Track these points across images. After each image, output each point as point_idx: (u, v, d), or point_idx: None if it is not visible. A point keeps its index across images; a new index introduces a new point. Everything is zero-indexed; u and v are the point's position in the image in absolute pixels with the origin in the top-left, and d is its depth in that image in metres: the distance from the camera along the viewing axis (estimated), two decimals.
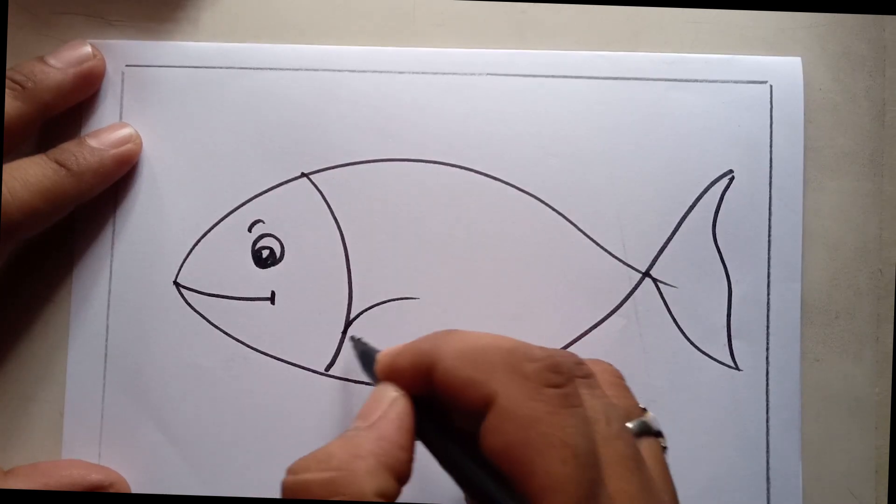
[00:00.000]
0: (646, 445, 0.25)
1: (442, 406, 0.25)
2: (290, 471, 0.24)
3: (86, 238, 0.35)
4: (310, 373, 0.35)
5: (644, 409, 0.27)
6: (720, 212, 0.35)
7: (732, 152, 0.35)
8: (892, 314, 0.35)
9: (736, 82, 0.35)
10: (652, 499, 0.23)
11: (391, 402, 0.25)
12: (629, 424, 0.25)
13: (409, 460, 0.24)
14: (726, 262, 0.35)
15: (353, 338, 0.33)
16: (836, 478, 0.34)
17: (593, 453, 0.22)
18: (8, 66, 0.33)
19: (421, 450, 0.26)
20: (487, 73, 0.35)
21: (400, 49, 0.36)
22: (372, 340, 0.33)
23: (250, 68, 0.36)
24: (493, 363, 0.24)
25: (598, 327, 0.35)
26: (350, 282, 0.35)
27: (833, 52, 0.36)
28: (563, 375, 0.23)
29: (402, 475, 0.24)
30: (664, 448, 0.26)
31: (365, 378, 0.32)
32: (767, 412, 0.34)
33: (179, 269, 0.35)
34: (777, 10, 0.36)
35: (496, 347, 0.24)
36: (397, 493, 0.24)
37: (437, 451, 0.25)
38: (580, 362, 0.25)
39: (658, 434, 0.26)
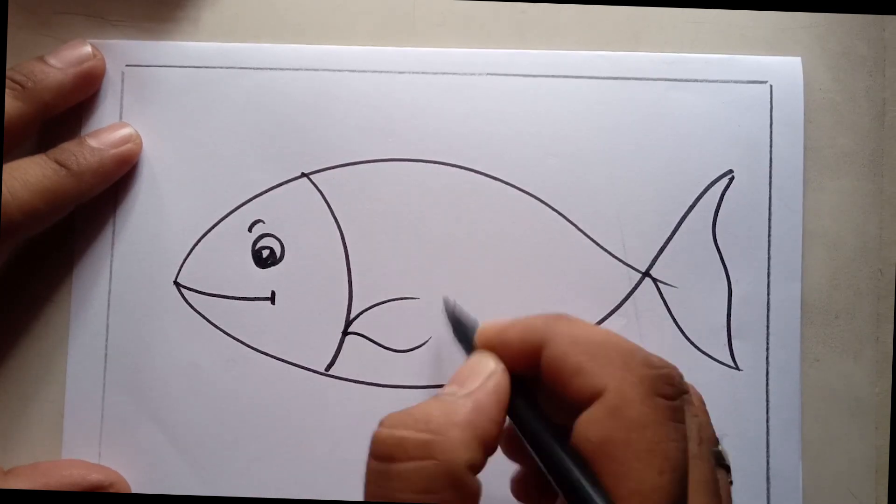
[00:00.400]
0: (719, 476, 0.25)
1: (537, 389, 0.25)
2: (385, 424, 0.23)
3: (86, 238, 0.35)
4: (310, 373, 0.35)
5: (718, 440, 0.27)
6: (720, 212, 0.35)
7: (732, 152, 0.35)
8: (892, 314, 0.35)
9: (736, 82, 0.35)
10: None
11: (490, 373, 0.25)
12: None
13: (500, 436, 0.24)
14: (726, 262, 0.35)
15: (447, 301, 0.32)
16: (836, 478, 0.34)
17: (685, 470, 0.22)
18: (8, 66, 0.33)
19: None
20: (487, 73, 0.35)
21: (400, 49, 0.36)
22: (372, 336, 0.32)
23: (250, 68, 0.36)
24: (609, 357, 0.23)
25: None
26: (350, 282, 0.35)
27: (833, 52, 0.36)
28: (675, 388, 0.23)
29: (490, 449, 0.24)
30: (731, 482, 0.26)
31: (376, 380, 0.32)
32: (767, 412, 0.34)
33: (179, 269, 0.35)
34: (777, 10, 0.36)
35: (613, 343, 0.24)
36: (482, 467, 0.23)
37: (526, 431, 0.25)
38: (682, 378, 0.25)
39: (728, 469, 0.26)
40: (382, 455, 0.23)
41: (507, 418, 0.25)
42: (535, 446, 0.24)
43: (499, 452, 0.25)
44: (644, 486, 0.21)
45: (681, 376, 0.24)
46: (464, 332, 0.29)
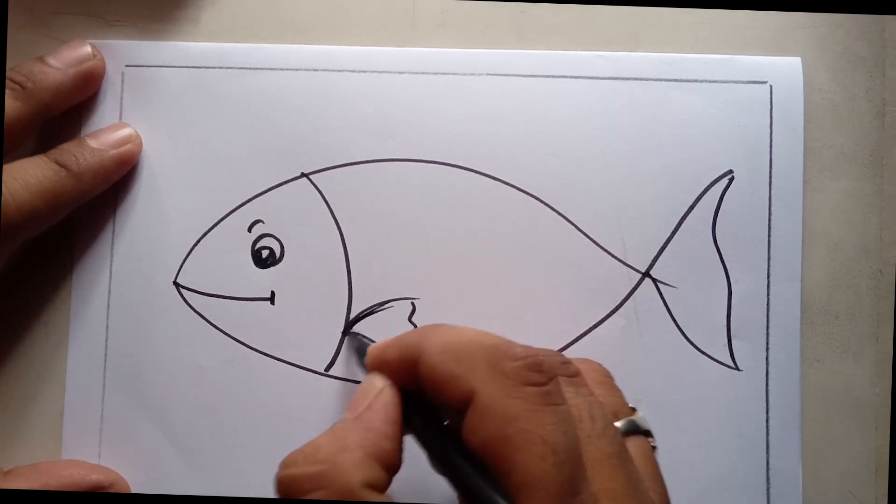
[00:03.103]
0: (634, 444, 0.25)
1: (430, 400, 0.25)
2: (281, 465, 0.24)
3: (86, 238, 0.35)
4: (310, 373, 0.35)
5: (633, 409, 0.27)
6: (720, 212, 0.35)
7: (732, 152, 0.35)
8: (892, 314, 0.35)
9: (736, 82, 0.35)
10: (638, 497, 0.23)
11: (378, 392, 0.26)
12: (617, 423, 0.25)
13: (397, 450, 0.25)
14: (726, 263, 0.35)
15: (351, 332, 0.33)
16: (836, 478, 0.34)
17: (574, 451, 0.22)
18: (8, 66, 0.33)
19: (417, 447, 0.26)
20: (487, 73, 0.35)
21: (400, 49, 0.36)
22: (371, 335, 0.33)
23: (250, 68, 0.36)
24: (474, 359, 0.24)
25: (598, 327, 0.35)
26: (350, 282, 0.35)
27: (833, 52, 0.36)
28: (543, 374, 0.24)
29: (390, 465, 0.24)
30: (654, 447, 0.26)
31: (361, 375, 0.32)
32: (767, 412, 0.34)
33: (179, 269, 0.35)
34: (777, 10, 0.36)
35: (479, 343, 0.24)
36: (387, 482, 0.24)
37: (425, 443, 0.25)
38: (565, 361, 0.25)
39: (647, 433, 0.26)
40: (283, 495, 0.24)
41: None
42: (433, 458, 0.25)
43: None
44: (531, 476, 0.21)
45: (559, 360, 0.24)
46: (361, 355, 0.30)
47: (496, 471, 0.22)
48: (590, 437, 0.23)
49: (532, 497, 0.21)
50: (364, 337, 0.33)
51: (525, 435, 0.22)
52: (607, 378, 0.28)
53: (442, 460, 0.24)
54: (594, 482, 0.22)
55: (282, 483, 0.24)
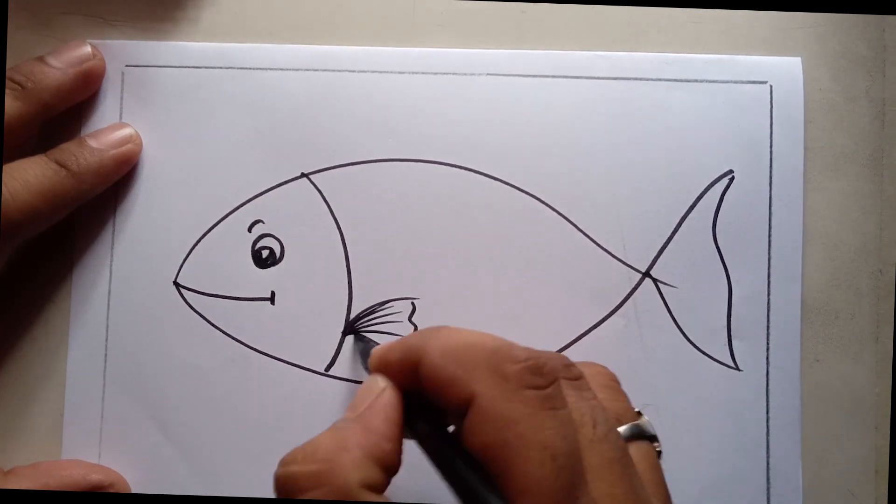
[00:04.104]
0: (638, 449, 0.25)
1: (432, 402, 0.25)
2: (280, 463, 0.24)
3: (86, 238, 0.35)
4: (310, 373, 0.35)
5: (639, 413, 0.27)
6: (720, 212, 0.35)
7: (732, 152, 0.35)
8: (892, 314, 0.35)
9: (736, 82, 0.35)
10: (639, 501, 0.23)
11: (378, 392, 0.25)
12: (620, 428, 0.25)
13: (396, 451, 0.24)
14: (726, 263, 0.35)
15: (357, 334, 0.33)
16: (836, 478, 0.34)
17: (575, 456, 0.22)
18: (8, 66, 0.33)
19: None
20: (487, 73, 0.35)
21: (400, 49, 0.36)
22: (372, 335, 0.33)
23: (250, 68, 0.36)
24: (475, 362, 0.24)
25: (598, 327, 0.35)
26: (350, 282, 0.35)
27: (833, 52, 0.36)
28: (545, 377, 0.23)
29: (389, 466, 0.24)
30: (659, 452, 0.26)
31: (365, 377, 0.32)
32: (767, 412, 0.34)
33: (179, 269, 0.35)
34: (777, 10, 0.36)
35: (480, 346, 0.24)
36: (385, 483, 0.24)
37: (426, 446, 0.25)
38: (569, 364, 0.25)
39: (652, 438, 0.26)
40: (281, 493, 0.24)
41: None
42: (433, 460, 0.25)
43: None
44: (529, 481, 0.21)
45: (562, 363, 0.24)
46: (366, 362, 0.29)
47: (496, 475, 0.22)
48: (591, 442, 0.23)
49: (534, 500, 0.21)
50: (370, 340, 0.33)
51: (523, 440, 0.22)
52: (612, 382, 0.28)
53: (442, 463, 0.24)
54: (594, 488, 0.22)
55: (280, 480, 0.24)
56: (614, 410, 0.26)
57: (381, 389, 0.26)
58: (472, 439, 0.23)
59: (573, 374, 0.24)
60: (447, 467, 0.24)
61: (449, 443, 0.24)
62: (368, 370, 0.28)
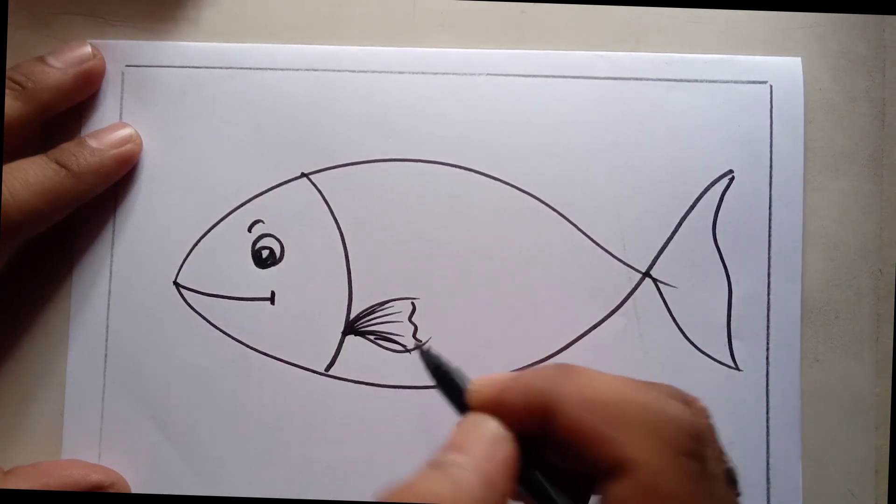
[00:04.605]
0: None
1: (543, 448, 0.23)
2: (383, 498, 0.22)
3: (86, 238, 0.35)
4: (310, 373, 0.35)
5: (726, 456, 0.25)
6: (720, 212, 0.35)
7: (732, 152, 0.35)
8: (892, 314, 0.35)
9: (736, 82, 0.35)
10: None
11: (494, 439, 0.23)
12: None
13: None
14: (726, 262, 0.35)
15: (422, 349, 0.26)
16: (836, 478, 0.34)
17: None
18: (8, 66, 0.33)
19: None
20: (487, 73, 0.35)
21: (400, 49, 0.36)
22: (371, 335, 0.32)
23: (250, 68, 0.36)
24: (627, 421, 0.22)
25: (598, 327, 0.35)
26: (350, 282, 0.35)
27: (833, 52, 0.36)
28: (701, 442, 0.22)
29: None
30: (738, 494, 0.25)
31: (376, 380, 0.31)
32: (768, 412, 0.34)
33: (179, 269, 0.35)
34: (777, 10, 0.36)
35: (630, 402, 0.22)
36: None
37: (541, 500, 0.23)
38: (708, 418, 0.23)
39: (735, 482, 0.25)
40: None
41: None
42: None
43: None
44: None
45: (705, 420, 0.23)
46: (450, 386, 0.25)
47: None
48: (718, 500, 0.22)
49: None
50: (442, 358, 0.26)
51: None
52: (706, 415, 0.25)
53: None
54: None
55: None
56: (727, 462, 0.24)
57: (496, 437, 0.23)
58: None
59: (711, 434, 0.23)
60: None
61: (571, 498, 0.23)
62: (457, 401, 0.25)
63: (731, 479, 0.24)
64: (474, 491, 0.21)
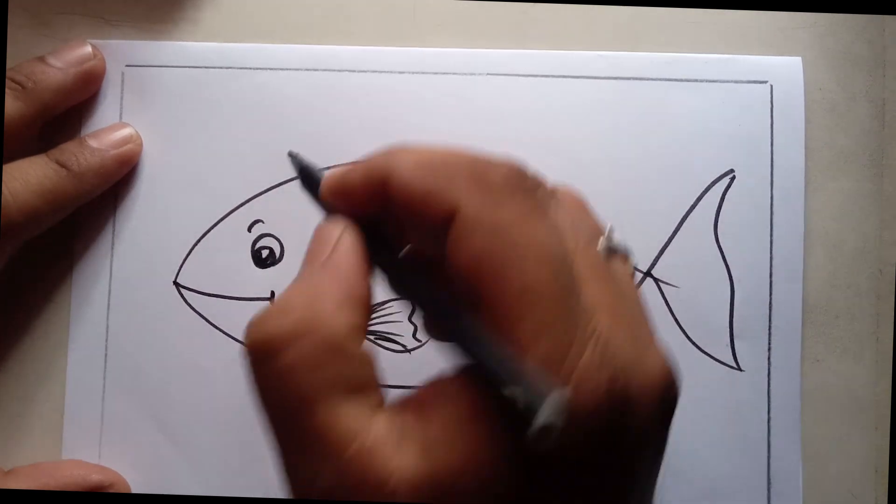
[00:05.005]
0: (615, 263, 0.24)
1: (395, 230, 0.24)
2: (249, 327, 0.22)
3: (86, 238, 0.35)
4: None
5: (610, 232, 0.25)
6: (721, 211, 0.35)
7: (733, 152, 0.35)
8: (892, 314, 0.35)
9: (736, 82, 0.35)
10: (627, 308, 0.22)
11: (339, 234, 0.24)
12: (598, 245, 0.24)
13: (370, 293, 0.23)
14: (728, 262, 0.35)
15: (291, 154, 0.28)
16: (836, 478, 0.34)
17: (567, 261, 0.21)
18: (8, 66, 0.33)
19: None
20: (487, 73, 0.35)
21: (400, 49, 0.36)
22: (371, 335, 0.32)
23: (250, 68, 0.36)
24: (454, 172, 0.22)
25: None
26: None
27: (833, 52, 0.36)
28: (529, 181, 0.22)
29: (366, 306, 0.23)
30: (634, 266, 0.25)
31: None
32: (769, 412, 0.34)
33: (179, 269, 0.35)
34: (777, 10, 0.36)
35: (457, 156, 0.23)
36: (366, 325, 0.22)
37: (392, 274, 0.24)
38: (542, 177, 0.24)
39: (626, 254, 0.25)
40: (256, 361, 0.22)
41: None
42: (402, 290, 0.24)
43: None
44: (527, 282, 0.20)
45: (531, 173, 0.23)
46: (311, 184, 0.27)
47: (485, 288, 0.21)
48: (575, 252, 0.22)
49: (535, 302, 0.20)
50: (306, 161, 0.28)
51: (517, 246, 0.21)
52: (582, 202, 0.26)
53: (415, 291, 0.23)
54: (585, 294, 0.21)
55: (254, 345, 0.21)
56: (587, 226, 0.24)
57: (340, 230, 0.24)
58: (459, 253, 0.21)
59: (541, 181, 0.23)
60: (421, 293, 0.23)
61: (421, 266, 0.23)
62: (315, 194, 0.26)
63: (614, 250, 0.24)
64: (327, 284, 0.22)
